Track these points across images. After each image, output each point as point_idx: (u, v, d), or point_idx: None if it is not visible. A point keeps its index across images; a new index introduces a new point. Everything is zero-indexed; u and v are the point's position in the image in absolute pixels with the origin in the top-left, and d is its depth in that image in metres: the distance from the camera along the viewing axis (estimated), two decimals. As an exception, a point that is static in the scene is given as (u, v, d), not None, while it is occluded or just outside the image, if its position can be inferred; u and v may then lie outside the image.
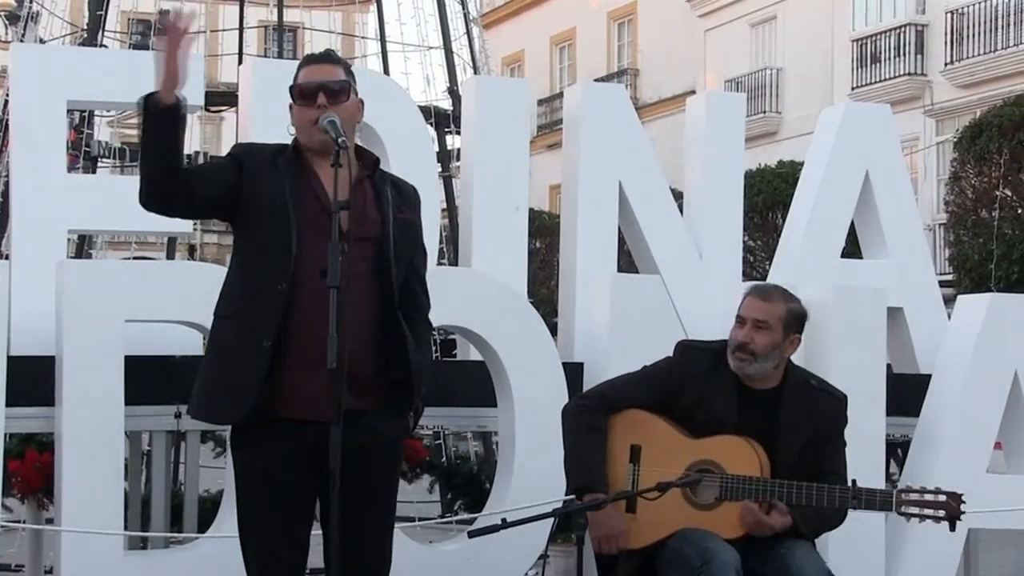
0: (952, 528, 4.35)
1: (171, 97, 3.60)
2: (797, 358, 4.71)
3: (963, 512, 4.31)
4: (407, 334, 3.84)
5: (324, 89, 3.81)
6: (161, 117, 3.60)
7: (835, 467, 4.51)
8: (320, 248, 3.57)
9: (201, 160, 12.96)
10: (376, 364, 3.82)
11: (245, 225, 3.82)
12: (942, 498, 4.30)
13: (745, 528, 4.34)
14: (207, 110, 13.37)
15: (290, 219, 3.73)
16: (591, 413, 4.60)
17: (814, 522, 4.43)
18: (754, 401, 4.50)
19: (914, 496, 4.34)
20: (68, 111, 5.93)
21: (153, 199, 3.74)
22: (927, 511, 4.31)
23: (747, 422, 4.47)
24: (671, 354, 4.68)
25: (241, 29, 13.53)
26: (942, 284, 7.10)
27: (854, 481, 4.38)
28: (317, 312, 3.55)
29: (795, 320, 4.54)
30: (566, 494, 5.10)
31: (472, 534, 4.48)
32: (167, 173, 3.67)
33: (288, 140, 3.93)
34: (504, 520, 4.23)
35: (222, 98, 13.34)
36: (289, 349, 3.70)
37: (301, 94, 3.84)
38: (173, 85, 3.59)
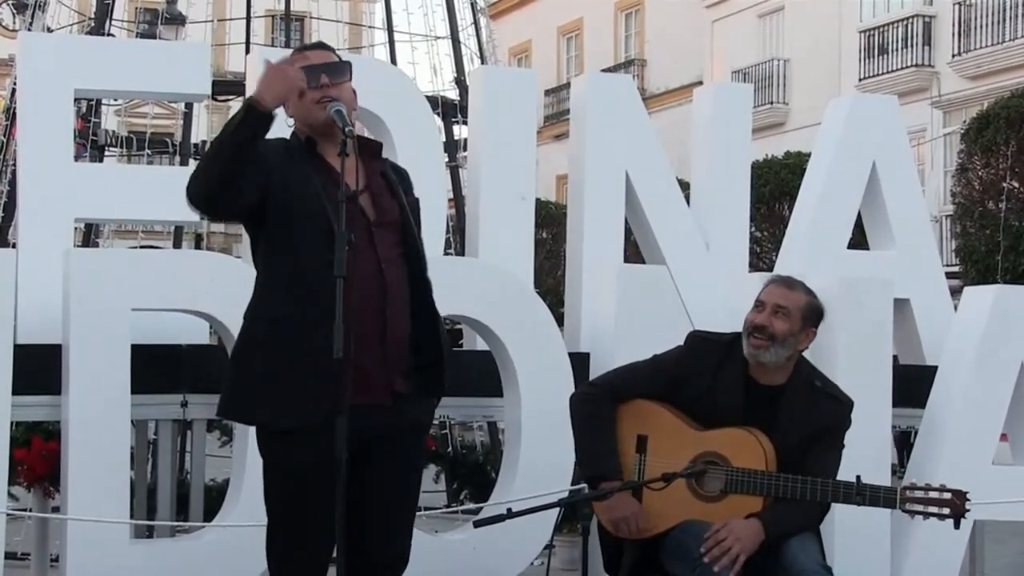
0: (956, 526, 4.31)
1: (274, 106, 3.62)
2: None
3: (968, 510, 4.28)
4: (438, 315, 3.90)
5: (327, 69, 3.80)
6: (260, 121, 3.60)
7: (822, 469, 4.39)
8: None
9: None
10: (412, 347, 3.85)
11: (276, 222, 3.74)
12: (947, 495, 4.26)
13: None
14: (214, 99, 13.36)
15: (327, 210, 3.67)
16: (599, 402, 4.59)
17: (785, 525, 4.34)
18: (758, 397, 4.47)
19: (919, 493, 4.30)
20: (75, 100, 5.93)
21: (204, 198, 3.68)
22: (931, 508, 4.27)
23: (750, 418, 4.44)
24: (682, 343, 4.67)
25: (248, 18, 13.54)
26: (949, 275, 7.08)
27: (858, 477, 4.32)
28: (364, 298, 3.61)
29: (813, 314, 4.51)
30: (574, 483, 5.11)
31: (478, 524, 4.49)
32: (234, 176, 3.61)
33: (287, 132, 3.88)
34: (509, 510, 4.24)
35: (229, 87, 13.37)
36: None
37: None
38: (283, 95, 3.64)
